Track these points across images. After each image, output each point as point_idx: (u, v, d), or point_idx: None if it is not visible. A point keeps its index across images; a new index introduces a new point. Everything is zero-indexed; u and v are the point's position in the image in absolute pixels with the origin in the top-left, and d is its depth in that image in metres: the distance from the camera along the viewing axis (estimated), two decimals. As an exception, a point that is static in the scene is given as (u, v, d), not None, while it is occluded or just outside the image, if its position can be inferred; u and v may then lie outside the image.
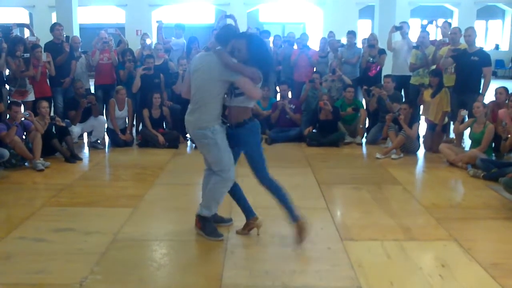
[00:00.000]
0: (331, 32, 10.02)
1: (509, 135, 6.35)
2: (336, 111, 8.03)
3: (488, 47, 20.77)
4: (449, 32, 8.04)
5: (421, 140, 7.83)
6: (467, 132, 7.13)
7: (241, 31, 9.69)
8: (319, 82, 8.49)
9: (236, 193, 4.30)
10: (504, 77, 20.43)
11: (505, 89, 7.15)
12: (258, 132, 4.11)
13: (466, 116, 7.04)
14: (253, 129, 4.04)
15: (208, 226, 4.20)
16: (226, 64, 3.81)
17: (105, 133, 8.11)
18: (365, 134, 8.28)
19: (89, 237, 4.23)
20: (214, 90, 3.91)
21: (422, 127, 7.96)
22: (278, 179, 6.05)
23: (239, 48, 3.88)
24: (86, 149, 7.87)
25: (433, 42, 8.49)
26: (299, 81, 9.00)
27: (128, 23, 19.76)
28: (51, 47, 8.15)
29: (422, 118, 8.02)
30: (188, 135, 8.48)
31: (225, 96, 4.03)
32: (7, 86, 7.68)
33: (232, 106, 3.98)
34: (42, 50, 7.79)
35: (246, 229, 4.28)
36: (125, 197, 5.37)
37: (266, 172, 4.15)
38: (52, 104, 8.09)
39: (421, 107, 7.96)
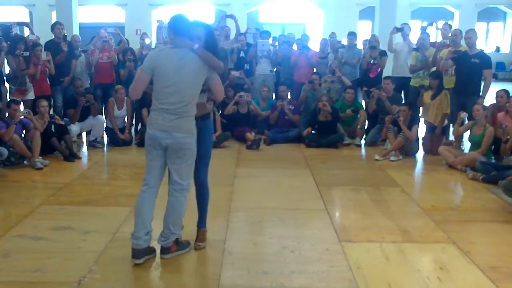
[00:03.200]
0: (332, 33, 9.99)
1: (509, 138, 6.33)
2: (335, 112, 8.02)
3: (488, 50, 20.74)
4: (450, 34, 8.04)
5: (420, 142, 7.83)
6: (466, 134, 7.13)
7: (241, 31, 9.81)
8: (319, 83, 8.49)
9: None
10: (504, 79, 20.41)
11: (506, 92, 7.13)
12: (212, 128, 4.02)
13: (466, 119, 7.04)
14: (210, 124, 3.95)
15: (181, 242, 3.97)
16: (212, 63, 3.63)
17: (104, 132, 8.11)
18: (364, 136, 8.28)
19: (88, 236, 4.23)
20: (197, 91, 3.66)
21: (422, 129, 7.96)
22: (276, 180, 6.07)
23: (199, 36, 3.65)
24: (85, 148, 7.86)
25: (433, 44, 8.49)
26: (299, 82, 8.99)
27: (128, 22, 19.74)
28: (51, 46, 8.14)
29: (422, 120, 8.02)
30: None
31: None
32: (6, 85, 7.68)
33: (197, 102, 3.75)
34: (43, 49, 7.78)
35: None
36: (124, 196, 5.36)
37: (207, 170, 4.00)
38: (52, 102, 8.09)
39: (421, 109, 7.96)
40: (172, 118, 3.58)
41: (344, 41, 9.50)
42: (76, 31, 11.95)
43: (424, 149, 7.64)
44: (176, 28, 3.64)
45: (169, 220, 3.79)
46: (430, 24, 8.98)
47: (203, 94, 3.78)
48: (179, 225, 3.87)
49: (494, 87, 7.58)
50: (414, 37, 8.83)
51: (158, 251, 3.86)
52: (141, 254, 3.71)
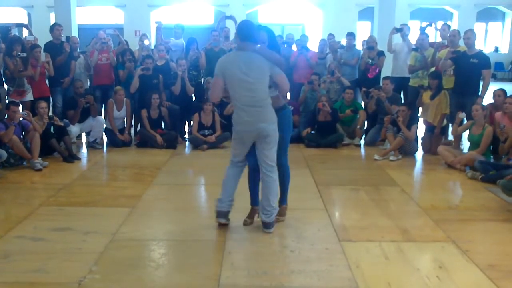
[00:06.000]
0: (330, 34, 9.99)
1: (507, 137, 6.34)
2: (334, 112, 8.03)
3: (487, 50, 20.76)
4: (448, 35, 8.05)
5: (420, 142, 7.83)
6: (465, 134, 7.14)
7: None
8: (318, 83, 8.49)
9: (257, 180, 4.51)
10: (503, 79, 20.43)
11: (504, 91, 7.14)
12: (291, 117, 4.51)
13: (465, 118, 7.04)
14: (288, 114, 4.44)
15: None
16: (273, 59, 4.09)
17: (103, 133, 8.12)
18: (364, 136, 8.29)
19: (88, 237, 4.23)
20: (266, 85, 4.11)
21: (421, 129, 7.97)
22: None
23: (263, 40, 4.17)
24: (84, 149, 7.87)
25: (432, 44, 8.50)
26: (298, 82, 8.99)
27: (127, 23, 19.74)
28: (50, 48, 8.14)
29: (421, 120, 8.03)
30: (186, 136, 8.49)
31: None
32: (5, 86, 7.67)
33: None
34: (42, 50, 7.78)
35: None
36: (124, 197, 5.37)
37: (286, 154, 4.51)
38: (51, 104, 8.10)
39: (420, 109, 7.96)
40: (254, 111, 4.10)
41: (343, 42, 9.51)
42: (74, 32, 11.95)
43: (424, 149, 7.64)
44: (242, 34, 4.15)
45: (269, 197, 4.29)
46: (429, 24, 8.98)
47: (272, 89, 4.20)
48: (276, 200, 4.38)
49: (493, 87, 7.59)
50: (413, 37, 8.83)
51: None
52: (223, 215, 4.37)
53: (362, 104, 8.70)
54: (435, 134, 7.52)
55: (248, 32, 4.14)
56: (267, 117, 4.12)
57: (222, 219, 4.37)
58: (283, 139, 4.35)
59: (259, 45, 4.13)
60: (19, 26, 10.19)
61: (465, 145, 7.42)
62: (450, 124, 7.72)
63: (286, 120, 4.37)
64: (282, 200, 4.62)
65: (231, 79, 4.11)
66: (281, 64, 4.16)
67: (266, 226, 4.33)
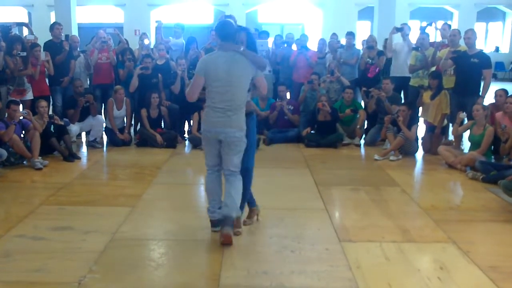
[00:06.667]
0: (334, 34, 9.98)
1: (508, 137, 6.33)
2: (334, 112, 8.02)
3: (488, 49, 20.71)
4: (449, 34, 8.04)
5: (420, 142, 7.82)
6: (466, 134, 7.13)
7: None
8: (318, 83, 8.49)
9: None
10: (504, 79, 20.41)
11: (505, 91, 7.14)
12: (255, 123, 4.38)
13: (466, 118, 7.04)
14: (255, 119, 4.35)
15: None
16: (258, 62, 4.06)
17: (103, 132, 8.11)
18: (364, 136, 8.28)
19: (88, 236, 4.23)
20: (245, 89, 4.07)
21: (421, 129, 7.96)
22: (276, 180, 6.06)
23: (242, 40, 4.11)
24: (84, 148, 7.86)
25: (432, 44, 8.49)
26: (298, 82, 9.00)
27: (127, 22, 19.72)
28: (50, 46, 8.13)
29: (421, 120, 8.02)
30: (186, 135, 8.49)
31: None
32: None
33: None
34: (41, 49, 7.77)
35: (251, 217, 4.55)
36: (124, 196, 5.37)
37: (253, 158, 4.38)
38: (51, 103, 8.09)
39: (420, 108, 7.95)
40: (224, 115, 4.01)
41: (343, 41, 9.50)
42: (75, 31, 11.95)
43: (424, 149, 7.63)
44: (223, 34, 4.10)
45: (226, 199, 4.14)
46: (429, 24, 8.97)
47: (249, 93, 4.18)
48: (233, 205, 4.11)
49: (494, 87, 7.59)
50: (413, 37, 8.82)
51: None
52: (217, 224, 4.24)
53: (362, 103, 8.69)
54: (436, 134, 7.51)
55: (228, 31, 4.10)
56: (235, 124, 4.02)
57: (217, 227, 4.25)
58: (248, 144, 4.21)
59: (242, 47, 4.04)
60: (20, 25, 10.16)
61: (466, 145, 7.41)
62: (450, 124, 7.71)
63: (252, 125, 4.25)
64: (250, 202, 4.53)
65: (211, 78, 4.02)
66: (263, 67, 4.15)
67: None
